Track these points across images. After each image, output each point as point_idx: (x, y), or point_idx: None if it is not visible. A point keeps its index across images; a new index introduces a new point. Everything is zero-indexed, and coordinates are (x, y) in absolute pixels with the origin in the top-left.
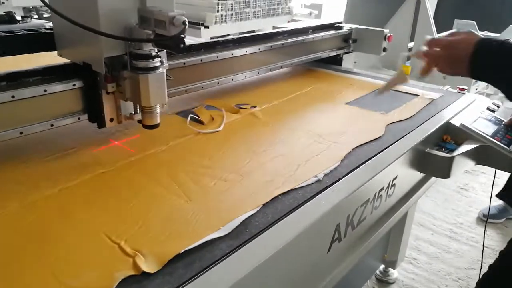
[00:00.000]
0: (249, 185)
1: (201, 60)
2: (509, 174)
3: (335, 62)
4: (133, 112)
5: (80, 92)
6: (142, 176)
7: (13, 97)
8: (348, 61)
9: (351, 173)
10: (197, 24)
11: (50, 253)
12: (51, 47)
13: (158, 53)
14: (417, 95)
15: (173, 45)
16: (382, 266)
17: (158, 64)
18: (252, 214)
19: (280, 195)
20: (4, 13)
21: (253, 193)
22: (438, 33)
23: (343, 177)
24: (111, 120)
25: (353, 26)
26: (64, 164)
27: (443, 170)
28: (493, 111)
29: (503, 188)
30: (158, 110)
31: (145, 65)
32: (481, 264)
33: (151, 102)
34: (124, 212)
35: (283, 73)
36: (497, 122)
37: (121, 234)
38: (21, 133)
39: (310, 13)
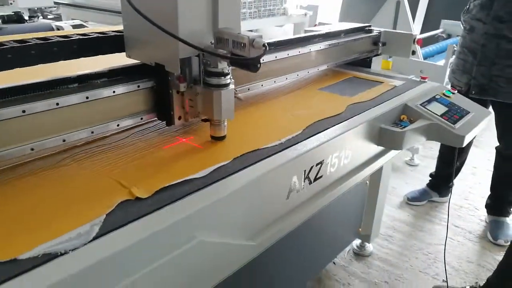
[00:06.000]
0: (229, 147)
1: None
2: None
3: (364, 64)
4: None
5: (149, 92)
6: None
7: (87, 98)
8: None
9: (308, 139)
10: None
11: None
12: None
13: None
14: (382, 82)
15: (251, 65)
16: (359, 241)
17: (229, 81)
18: (224, 164)
19: (248, 152)
20: (13, 13)
21: (229, 152)
22: (421, 32)
23: (301, 141)
24: (179, 118)
25: (382, 29)
26: None
27: (396, 142)
28: (448, 96)
29: (433, 179)
30: (225, 123)
31: (218, 82)
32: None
33: (222, 116)
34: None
35: None
36: (449, 105)
37: (123, 177)
38: (92, 132)
39: (305, 14)
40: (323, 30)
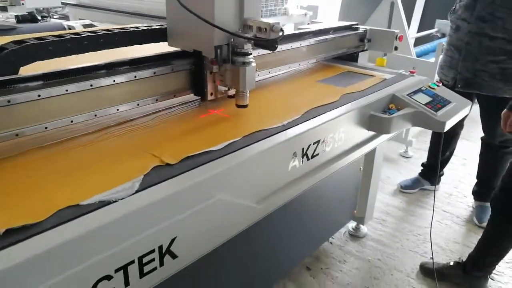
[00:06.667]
0: (240, 126)
1: None
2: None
3: (351, 59)
4: (227, 89)
5: (188, 73)
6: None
7: (135, 77)
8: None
9: (307, 121)
10: None
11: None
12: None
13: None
14: (373, 76)
15: (269, 45)
16: (354, 224)
17: (252, 60)
18: (236, 140)
19: (255, 131)
20: (27, 13)
21: (240, 131)
22: (418, 32)
23: (300, 123)
24: (211, 94)
25: (368, 27)
26: None
27: (384, 127)
28: (433, 88)
29: (424, 168)
30: (248, 95)
31: (243, 60)
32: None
33: (246, 87)
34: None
35: None
36: (433, 95)
37: (156, 150)
38: (138, 104)
39: (306, 14)
40: (313, 27)
